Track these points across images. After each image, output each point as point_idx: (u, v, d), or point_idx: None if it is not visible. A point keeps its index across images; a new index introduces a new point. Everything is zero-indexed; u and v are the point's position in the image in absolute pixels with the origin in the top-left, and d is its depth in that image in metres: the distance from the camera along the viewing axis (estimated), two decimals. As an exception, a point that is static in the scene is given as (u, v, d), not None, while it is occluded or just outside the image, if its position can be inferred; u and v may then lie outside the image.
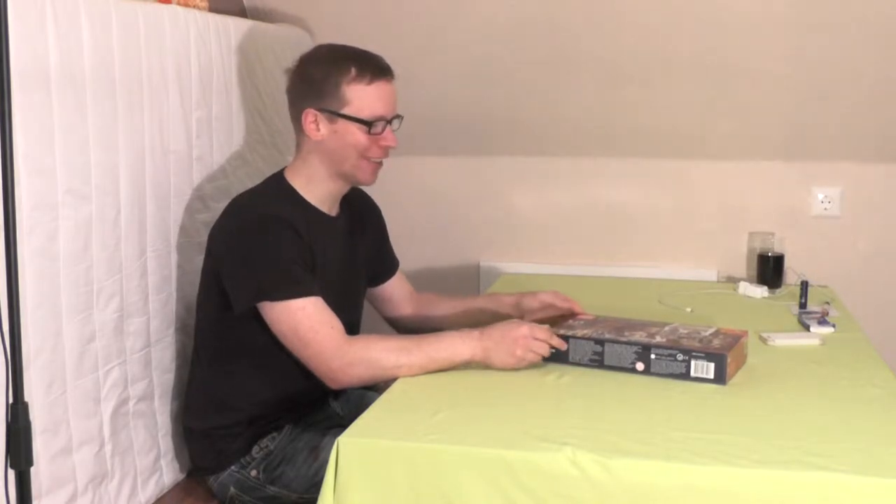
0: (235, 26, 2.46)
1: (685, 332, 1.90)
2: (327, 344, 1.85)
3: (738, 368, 1.84)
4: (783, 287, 2.69)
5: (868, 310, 2.62)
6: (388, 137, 2.00)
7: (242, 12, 2.85)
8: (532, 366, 1.85)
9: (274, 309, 1.87)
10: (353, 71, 1.96)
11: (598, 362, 1.86)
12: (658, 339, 1.85)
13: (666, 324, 1.96)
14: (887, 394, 1.73)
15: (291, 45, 2.77)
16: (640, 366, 1.82)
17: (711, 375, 1.76)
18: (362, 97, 1.96)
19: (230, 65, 2.42)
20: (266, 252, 1.89)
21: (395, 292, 2.32)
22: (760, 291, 2.61)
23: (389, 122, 2.00)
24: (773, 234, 2.80)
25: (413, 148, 3.10)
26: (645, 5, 2.67)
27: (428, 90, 2.95)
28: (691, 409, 1.64)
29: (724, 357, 1.75)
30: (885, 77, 2.71)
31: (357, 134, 1.97)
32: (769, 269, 2.72)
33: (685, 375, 1.78)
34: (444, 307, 2.30)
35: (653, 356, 1.80)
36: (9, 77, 1.36)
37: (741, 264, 3.01)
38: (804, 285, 2.44)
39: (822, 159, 2.93)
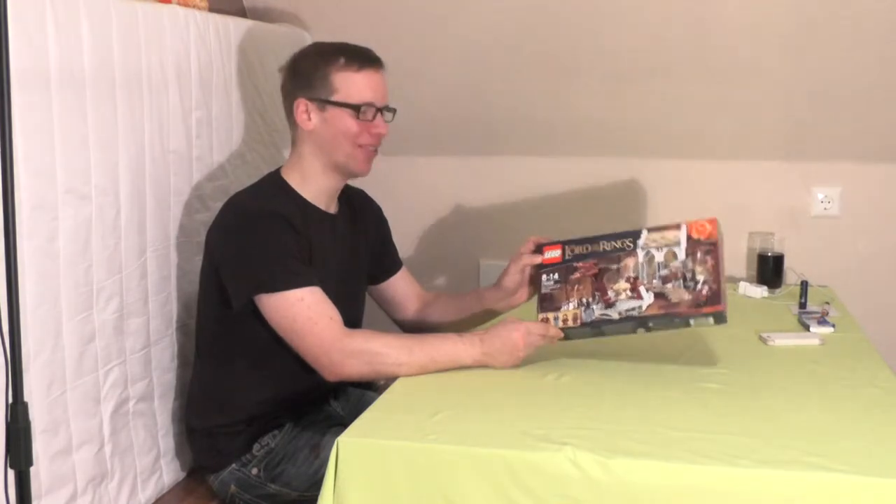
0: (235, 26, 2.47)
1: (665, 257, 1.82)
2: (326, 335, 1.84)
3: (721, 274, 1.79)
4: (783, 287, 2.70)
5: (868, 310, 2.62)
6: (379, 125, 2.01)
7: (242, 12, 2.85)
8: (531, 362, 1.84)
9: (272, 301, 1.87)
10: (342, 60, 1.99)
11: (599, 334, 1.86)
12: (645, 297, 1.80)
13: (637, 234, 1.87)
14: (887, 394, 1.73)
15: (291, 44, 2.76)
16: (640, 331, 1.82)
17: (711, 322, 1.76)
18: (350, 84, 1.98)
19: (230, 65, 2.42)
20: (262, 246, 1.89)
21: (400, 293, 2.31)
22: (760, 291, 2.61)
23: (380, 110, 2.01)
24: (773, 234, 2.80)
25: (413, 148, 3.11)
26: (645, 5, 2.67)
27: (428, 90, 2.95)
28: (691, 409, 1.64)
29: (722, 314, 1.74)
30: (884, 77, 2.71)
31: (347, 120, 1.98)
32: (769, 269, 2.72)
33: (686, 326, 1.78)
34: (451, 307, 2.27)
35: (651, 324, 1.80)
36: (9, 77, 1.36)
37: (741, 264, 3.00)
38: (804, 285, 2.44)
39: (822, 159, 2.93)
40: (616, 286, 1.85)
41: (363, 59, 2.00)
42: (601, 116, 2.94)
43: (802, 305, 2.41)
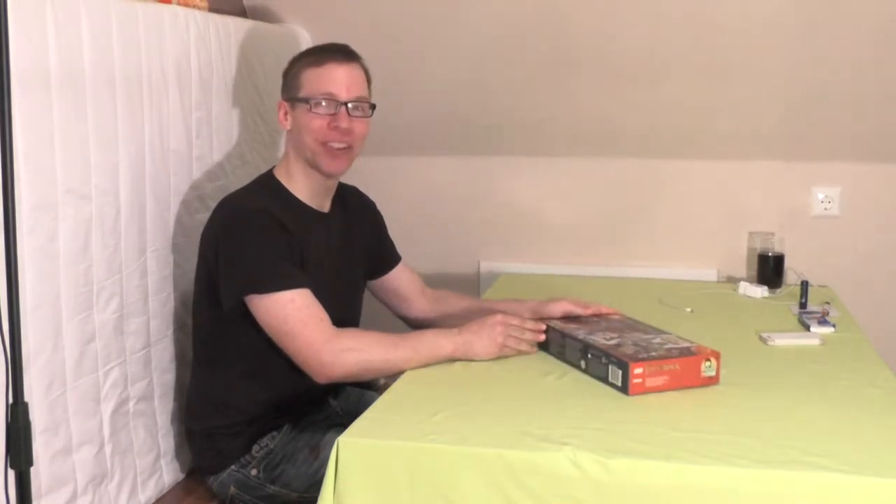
0: (235, 26, 2.47)
1: (657, 342, 1.83)
2: (317, 336, 1.84)
3: (681, 386, 1.72)
4: (783, 287, 2.69)
5: (868, 310, 2.62)
6: (341, 118, 1.97)
7: (242, 12, 2.85)
8: (523, 359, 1.84)
9: (262, 302, 1.87)
10: (311, 57, 2.01)
11: (563, 356, 1.89)
12: (610, 341, 1.83)
13: (665, 333, 1.91)
14: (887, 394, 1.73)
15: (291, 45, 2.77)
16: (583, 364, 1.83)
17: (619, 383, 1.71)
18: (312, 79, 1.99)
19: (230, 65, 2.42)
20: (253, 246, 1.89)
21: (403, 285, 2.30)
22: (760, 291, 2.61)
23: (345, 104, 1.98)
24: (773, 234, 2.80)
25: (413, 148, 3.11)
26: (645, 5, 2.67)
27: (428, 90, 2.95)
28: (691, 409, 1.64)
29: (626, 365, 1.69)
30: (885, 77, 2.71)
31: (307, 115, 1.98)
32: (769, 269, 2.72)
33: (605, 380, 1.76)
34: (460, 304, 2.26)
35: (589, 356, 1.81)
36: (9, 77, 1.36)
37: (741, 264, 3.01)
38: (804, 285, 2.44)
39: (822, 159, 2.93)
40: (607, 332, 1.91)
41: (327, 53, 2.00)
42: (601, 117, 2.94)
43: (803, 305, 2.41)
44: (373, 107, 2.05)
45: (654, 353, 1.75)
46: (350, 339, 1.86)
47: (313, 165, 2.01)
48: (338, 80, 1.98)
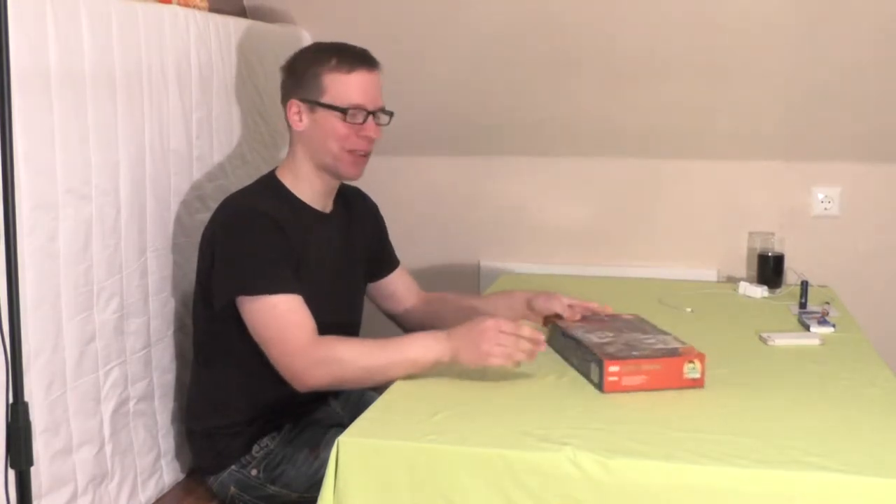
0: (235, 26, 2.47)
1: (649, 342, 1.83)
2: (292, 344, 1.83)
3: (661, 387, 1.71)
4: (783, 287, 2.70)
5: (868, 310, 2.62)
6: (369, 128, 1.98)
7: (242, 12, 2.85)
8: (531, 363, 1.84)
9: (251, 305, 1.86)
10: (334, 61, 1.97)
11: (562, 354, 1.91)
12: (603, 339, 1.83)
13: (665, 333, 1.91)
14: (887, 394, 1.73)
15: (291, 44, 2.76)
16: (574, 361, 1.85)
17: (596, 379, 1.72)
18: (339, 85, 1.96)
19: (230, 65, 2.42)
20: (247, 248, 1.88)
21: (399, 288, 2.29)
22: (760, 291, 2.61)
23: (372, 113, 1.99)
24: (773, 234, 2.80)
25: (413, 148, 3.11)
26: (645, 5, 2.67)
27: (428, 90, 2.95)
28: (691, 410, 1.64)
29: (601, 362, 1.70)
30: (885, 77, 2.71)
31: (335, 122, 1.96)
32: (769, 269, 2.72)
33: (587, 375, 1.77)
34: (453, 306, 2.25)
35: (579, 353, 1.82)
36: (9, 77, 1.36)
37: (741, 264, 3.01)
38: (804, 285, 2.44)
39: (822, 159, 2.93)
40: (606, 331, 1.91)
41: (355, 60, 1.97)
42: (601, 117, 2.94)
43: (802, 305, 2.41)
44: (390, 114, 2.04)
45: (635, 353, 1.74)
46: (327, 349, 1.82)
47: (329, 169, 2.01)
48: (367, 89, 1.97)
